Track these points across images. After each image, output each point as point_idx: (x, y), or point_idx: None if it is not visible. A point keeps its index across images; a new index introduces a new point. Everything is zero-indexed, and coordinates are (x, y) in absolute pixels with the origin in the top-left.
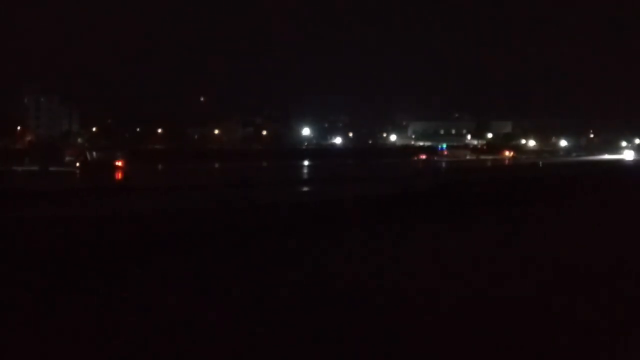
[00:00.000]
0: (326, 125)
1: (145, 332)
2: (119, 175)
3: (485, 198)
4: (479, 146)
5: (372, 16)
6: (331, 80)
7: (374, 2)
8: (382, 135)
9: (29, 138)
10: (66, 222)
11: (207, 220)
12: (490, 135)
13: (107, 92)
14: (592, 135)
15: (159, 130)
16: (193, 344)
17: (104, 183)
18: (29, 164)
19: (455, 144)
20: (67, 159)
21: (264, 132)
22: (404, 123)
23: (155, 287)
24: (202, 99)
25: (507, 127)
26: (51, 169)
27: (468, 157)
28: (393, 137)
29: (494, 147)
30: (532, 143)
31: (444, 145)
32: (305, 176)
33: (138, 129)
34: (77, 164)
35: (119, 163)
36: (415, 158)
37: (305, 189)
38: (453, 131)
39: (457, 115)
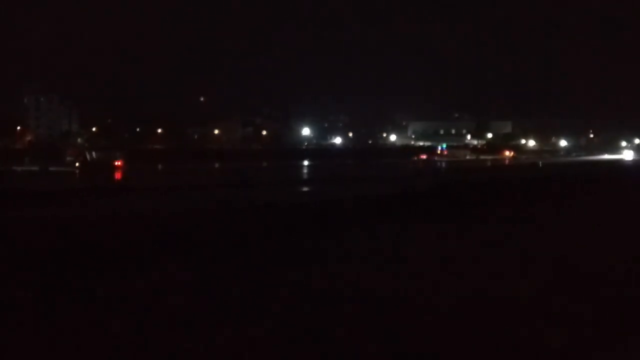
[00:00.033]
0: (326, 125)
1: (145, 333)
2: (118, 175)
3: (486, 198)
4: (479, 146)
5: (372, 16)
6: (331, 80)
7: (374, 2)
8: (382, 135)
9: (28, 138)
10: (65, 222)
11: (207, 221)
12: (490, 135)
13: (107, 92)
14: (592, 135)
15: (159, 130)
16: (193, 344)
17: (103, 183)
18: (28, 164)
19: (455, 144)
20: (68, 159)
21: (264, 132)
22: (404, 123)
23: (155, 287)
24: (202, 99)
25: (507, 127)
26: (51, 169)
27: (468, 157)
28: (393, 137)
29: (494, 147)
30: (532, 143)
31: (444, 145)
32: (305, 176)
33: (138, 129)
34: (77, 164)
35: (118, 163)
36: (415, 158)
37: (305, 189)
38: (453, 131)
39: (457, 115)
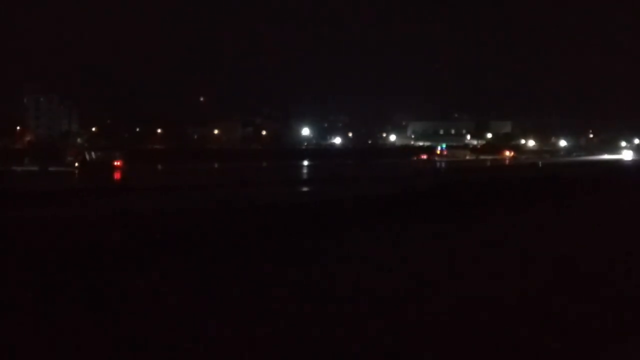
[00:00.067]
0: (326, 125)
1: (145, 333)
2: (118, 176)
3: (486, 198)
4: (479, 146)
5: (372, 16)
6: (331, 80)
7: (374, 2)
8: (381, 135)
9: (28, 138)
10: (65, 222)
11: (207, 221)
12: (489, 135)
13: (107, 92)
14: (591, 135)
15: (159, 130)
16: (193, 344)
17: (103, 183)
18: (28, 164)
19: (454, 144)
20: (69, 159)
21: (264, 132)
22: (404, 123)
23: (155, 287)
24: (202, 99)
25: (507, 127)
26: (50, 169)
27: (468, 157)
28: (392, 137)
29: (494, 147)
30: (531, 143)
31: (444, 145)
32: (305, 176)
33: (138, 129)
34: (76, 164)
35: (117, 163)
36: (415, 158)
37: (305, 189)
38: (453, 131)
39: (456, 115)
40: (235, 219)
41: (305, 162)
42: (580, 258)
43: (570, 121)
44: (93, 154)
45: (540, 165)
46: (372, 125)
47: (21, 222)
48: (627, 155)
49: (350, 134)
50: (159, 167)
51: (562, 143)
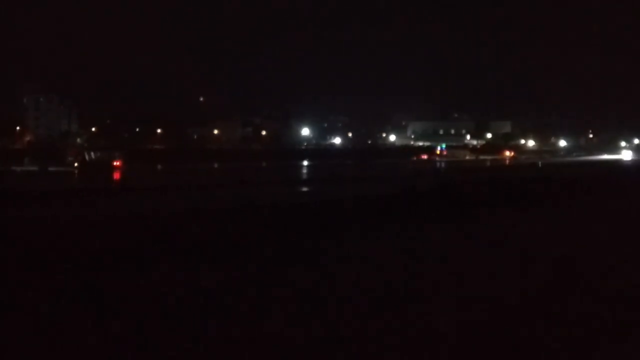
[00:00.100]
0: (325, 125)
1: (145, 333)
2: (117, 176)
3: (486, 198)
4: (479, 146)
5: (372, 16)
6: (331, 80)
7: (374, 2)
8: (381, 135)
9: (28, 138)
10: (65, 222)
11: (206, 221)
12: (489, 135)
13: (107, 92)
14: (591, 135)
15: (159, 130)
16: (193, 344)
17: (102, 183)
18: (28, 164)
19: (454, 144)
20: (68, 159)
21: (264, 132)
22: (404, 123)
23: (155, 287)
24: (202, 99)
25: (507, 127)
26: (50, 169)
27: (467, 157)
28: (392, 137)
29: (494, 147)
30: (531, 143)
31: (444, 146)
32: (305, 176)
33: (138, 129)
34: (76, 164)
35: (117, 163)
36: (415, 158)
37: (305, 189)
38: (452, 131)
39: (456, 115)
40: (235, 219)
41: (305, 162)
42: (580, 258)
43: (570, 121)
44: (93, 154)
45: (540, 165)
46: (372, 125)
47: (21, 222)
48: (626, 155)
49: (350, 134)
50: (159, 167)
51: (562, 143)
